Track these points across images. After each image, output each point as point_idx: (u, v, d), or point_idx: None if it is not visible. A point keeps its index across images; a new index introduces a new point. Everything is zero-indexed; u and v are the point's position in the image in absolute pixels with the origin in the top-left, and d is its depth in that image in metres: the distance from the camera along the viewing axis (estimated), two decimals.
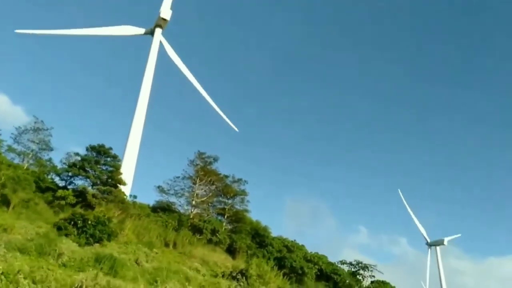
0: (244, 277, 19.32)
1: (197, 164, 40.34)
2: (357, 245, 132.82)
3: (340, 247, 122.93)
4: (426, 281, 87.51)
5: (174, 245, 30.12)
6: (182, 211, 38.94)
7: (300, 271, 32.83)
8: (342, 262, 40.66)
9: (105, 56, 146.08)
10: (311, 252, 38.80)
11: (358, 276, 38.76)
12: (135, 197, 37.49)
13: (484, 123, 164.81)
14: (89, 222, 17.62)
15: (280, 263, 33.95)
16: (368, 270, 39.41)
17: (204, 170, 40.28)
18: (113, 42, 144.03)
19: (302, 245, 39.30)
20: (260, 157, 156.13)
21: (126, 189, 39.93)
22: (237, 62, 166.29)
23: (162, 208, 38.36)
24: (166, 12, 53.48)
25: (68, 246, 12.98)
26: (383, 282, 38.35)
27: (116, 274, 11.06)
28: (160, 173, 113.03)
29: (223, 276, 20.07)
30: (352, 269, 39.79)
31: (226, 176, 41.81)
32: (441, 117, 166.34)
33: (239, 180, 41.71)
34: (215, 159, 40.71)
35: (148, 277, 10.90)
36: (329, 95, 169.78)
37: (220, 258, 31.80)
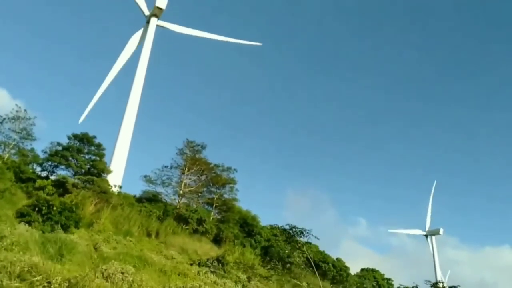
0: (220, 264, 18.56)
1: (185, 153, 39.60)
2: (357, 237, 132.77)
3: (339, 239, 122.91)
4: (437, 271, 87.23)
5: (157, 235, 29.46)
6: (169, 201, 38.27)
7: (287, 260, 32.16)
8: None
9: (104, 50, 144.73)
10: (300, 240, 38.13)
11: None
12: (120, 187, 36.79)
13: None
14: (55, 208, 16.92)
15: (267, 251, 33.38)
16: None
17: (193, 159, 39.56)
18: (110, 38, 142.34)
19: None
20: (261, 150, 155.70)
21: (117, 179, 39.32)
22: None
23: (148, 199, 37.68)
24: (161, 0, 52.59)
25: (20, 231, 12.28)
26: (372, 270, 37.79)
27: (61, 257, 10.36)
28: (155, 163, 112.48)
29: (199, 263, 19.33)
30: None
31: (216, 166, 41.11)
32: (443, 106, 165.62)
33: (229, 168, 41.06)
34: (203, 147, 40.05)
35: (98, 261, 10.18)
36: (332, 84, 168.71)
37: (204, 248, 31.20)
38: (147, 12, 53.99)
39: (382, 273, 38.65)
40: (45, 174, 32.97)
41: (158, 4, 52.16)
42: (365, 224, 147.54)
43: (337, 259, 35.50)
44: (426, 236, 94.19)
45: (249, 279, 17.92)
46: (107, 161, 36.99)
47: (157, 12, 52.95)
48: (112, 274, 9.35)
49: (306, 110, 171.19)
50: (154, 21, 53.00)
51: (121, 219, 26.57)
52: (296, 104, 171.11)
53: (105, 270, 9.06)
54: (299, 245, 36.36)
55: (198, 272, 16.36)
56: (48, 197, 18.64)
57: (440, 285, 32.12)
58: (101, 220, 22.57)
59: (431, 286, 31.20)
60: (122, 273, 9.71)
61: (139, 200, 36.88)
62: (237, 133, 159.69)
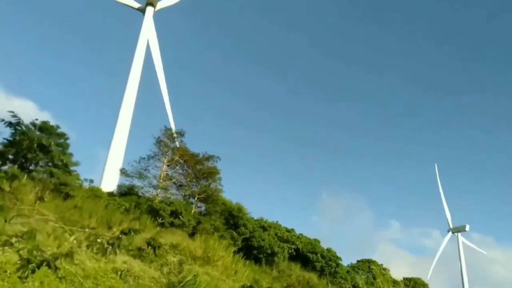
0: (152, 248, 15.30)
1: (161, 141, 36.63)
2: (391, 240, 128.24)
3: (374, 242, 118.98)
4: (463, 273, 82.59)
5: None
6: (147, 195, 35.33)
7: (269, 251, 28.80)
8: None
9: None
10: (287, 228, 34.93)
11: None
12: (91, 181, 34.10)
13: None
14: None
15: (248, 243, 30.11)
16: None
17: (171, 147, 36.68)
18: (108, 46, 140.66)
19: (278, 223, 35.30)
20: (294, 154, 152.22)
21: (113, 179, 36.90)
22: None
23: (123, 193, 34.84)
24: None
25: None
26: (368, 261, 34.17)
27: None
28: None
29: (129, 249, 16.06)
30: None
31: (197, 155, 38.01)
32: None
33: (211, 157, 37.86)
34: (181, 134, 36.99)
35: None
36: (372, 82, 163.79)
37: (174, 241, 27.89)
38: (136, 5, 51.78)
39: (379, 263, 34.98)
40: None
41: None
42: (398, 226, 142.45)
43: (327, 249, 32.13)
44: (452, 233, 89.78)
45: (180, 262, 14.70)
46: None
47: (153, 1, 50.62)
48: None
49: (339, 111, 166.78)
50: (150, 10, 50.64)
51: (72, 210, 23.62)
52: (328, 105, 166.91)
53: None
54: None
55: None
56: None
57: None
58: (35, 206, 19.68)
59: None
60: None
61: (111, 194, 34.06)
62: (264, 135, 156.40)
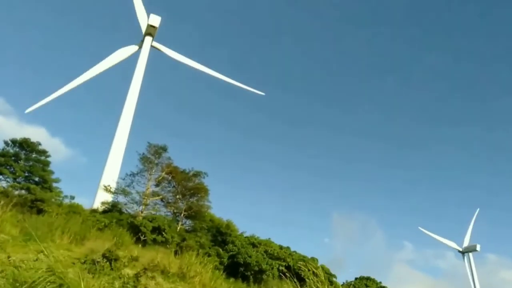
0: (108, 261, 13.86)
1: (145, 157, 35.49)
2: (405, 261, 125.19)
3: (388, 263, 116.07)
4: None
5: None
6: (130, 211, 33.96)
7: (256, 268, 27.14)
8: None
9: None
10: (281, 246, 33.27)
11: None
12: (72, 197, 32.97)
13: None
14: None
15: (234, 260, 28.49)
16: None
17: (152, 162, 35.50)
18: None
19: (270, 240, 33.63)
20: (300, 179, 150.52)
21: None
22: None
23: (106, 210, 33.48)
24: (154, 18, 50.28)
25: None
26: (367, 278, 32.29)
27: None
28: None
29: (84, 262, 14.70)
30: None
31: (184, 171, 36.77)
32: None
33: (198, 173, 36.61)
34: (164, 149, 35.86)
35: None
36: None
37: (153, 257, 26.26)
38: (136, 48, 51.88)
39: (378, 281, 33.09)
40: None
41: (151, 22, 49.81)
42: (410, 247, 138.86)
43: (320, 266, 30.36)
44: (463, 253, 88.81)
45: (137, 275, 13.25)
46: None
47: (151, 31, 50.56)
48: None
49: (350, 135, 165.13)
50: (148, 40, 50.83)
51: (41, 225, 22.33)
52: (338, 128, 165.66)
53: None
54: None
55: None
56: None
57: None
58: None
59: None
60: None
61: (94, 211, 32.74)
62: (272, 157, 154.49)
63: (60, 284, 12.02)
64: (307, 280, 27.93)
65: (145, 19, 50.79)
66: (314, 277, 27.14)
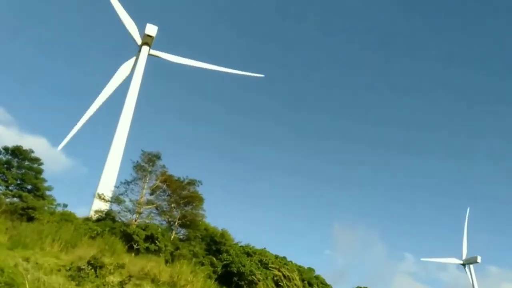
0: (93, 268, 13.61)
1: (138, 165, 35.26)
2: (407, 273, 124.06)
3: (389, 275, 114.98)
4: None
5: None
6: (123, 219, 33.62)
7: (250, 278, 26.75)
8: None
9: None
10: (276, 255, 32.94)
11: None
12: (65, 205, 32.72)
13: None
14: None
15: (227, 269, 28.14)
16: None
17: (149, 171, 35.26)
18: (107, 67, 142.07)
19: (265, 250, 33.28)
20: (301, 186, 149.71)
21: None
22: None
23: (100, 218, 33.16)
24: (151, 28, 50.28)
25: None
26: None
27: None
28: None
29: (69, 269, 14.49)
30: None
31: (179, 180, 36.50)
32: None
33: (193, 181, 36.34)
34: (157, 157, 35.63)
35: None
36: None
37: (146, 266, 25.97)
38: (139, 41, 51.80)
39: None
40: None
41: (147, 31, 49.84)
42: (412, 258, 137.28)
43: (315, 276, 30.06)
44: (464, 265, 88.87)
45: (122, 283, 12.97)
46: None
47: (148, 41, 50.62)
48: None
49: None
50: (145, 50, 50.85)
51: (31, 233, 22.09)
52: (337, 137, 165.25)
53: None
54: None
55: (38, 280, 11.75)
56: None
57: None
58: None
59: None
60: None
61: (87, 219, 32.44)
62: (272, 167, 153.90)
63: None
64: (280, 284, 27.41)
65: (136, 31, 50.80)
66: (288, 281, 26.65)
